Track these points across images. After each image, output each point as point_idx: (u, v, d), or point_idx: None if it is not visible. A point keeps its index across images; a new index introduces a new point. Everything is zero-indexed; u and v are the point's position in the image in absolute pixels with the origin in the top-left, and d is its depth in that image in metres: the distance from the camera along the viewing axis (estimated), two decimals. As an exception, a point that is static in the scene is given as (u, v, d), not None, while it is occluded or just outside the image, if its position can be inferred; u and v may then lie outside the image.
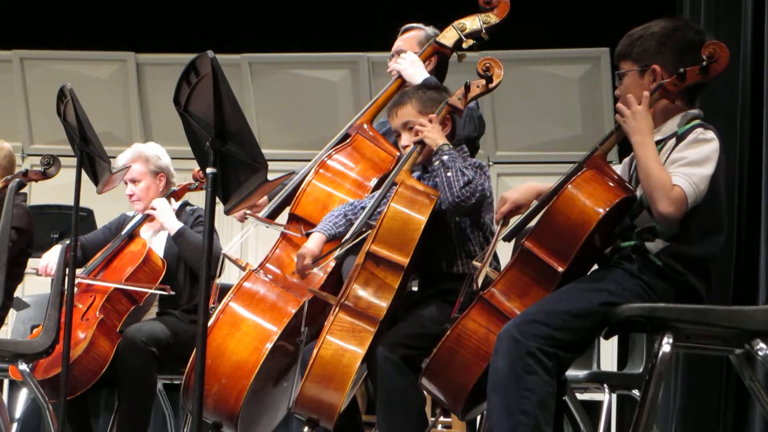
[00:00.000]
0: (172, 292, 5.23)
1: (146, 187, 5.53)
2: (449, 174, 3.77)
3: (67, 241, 4.56)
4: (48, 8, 8.92)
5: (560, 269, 3.30)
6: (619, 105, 3.37)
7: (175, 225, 5.33)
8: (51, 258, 5.31)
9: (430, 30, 4.74)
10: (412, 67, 4.53)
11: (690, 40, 3.40)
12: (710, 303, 3.35)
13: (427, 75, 4.50)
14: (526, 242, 3.34)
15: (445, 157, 3.82)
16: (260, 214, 4.50)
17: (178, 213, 5.45)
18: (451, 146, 3.87)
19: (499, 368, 3.21)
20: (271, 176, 3.26)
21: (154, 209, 5.38)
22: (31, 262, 5.37)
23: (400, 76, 4.60)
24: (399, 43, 4.77)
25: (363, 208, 3.98)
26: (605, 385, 4.86)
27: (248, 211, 4.47)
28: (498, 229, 3.59)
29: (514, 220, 3.56)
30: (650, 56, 3.40)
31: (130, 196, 5.53)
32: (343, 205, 4.05)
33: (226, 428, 4.06)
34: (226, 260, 4.44)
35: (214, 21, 8.74)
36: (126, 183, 5.50)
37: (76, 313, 4.92)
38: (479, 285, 3.51)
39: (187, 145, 3.36)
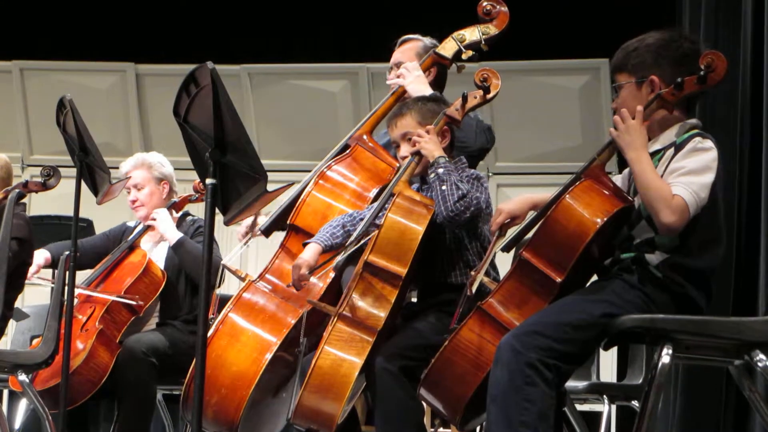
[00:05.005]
0: (141, 302, 5.21)
1: (150, 192, 5.53)
2: (444, 188, 3.78)
3: (66, 252, 4.56)
4: (48, 19, 8.93)
5: (558, 279, 3.30)
6: (615, 119, 3.37)
7: (174, 235, 5.33)
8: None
9: (428, 41, 4.74)
10: (417, 83, 4.50)
11: (686, 50, 3.41)
12: (710, 314, 3.35)
13: (431, 92, 4.49)
14: (524, 252, 3.35)
15: (440, 170, 3.82)
16: (259, 226, 4.51)
17: (179, 223, 5.45)
18: (447, 159, 3.87)
19: (499, 379, 3.22)
20: (270, 187, 3.27)
21: (155, 219, 5.38)
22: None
23: (400, 86, 4.58)
24: (397, 54, 4.76)
25: (362, 219, 3.98)
26: (605, 396, 4.86)
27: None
28: (494, 240, 3.60)
29: (511, 232, 3.57)
30: (647, 67, 3.41)
31: (133, 202, 5.53)
32: (342, 216, 4.05)
33: (225, 439, 4.06)
34: (226, 271, 4.44)
35: (214, 32, 8.75)
36: (129, 190, 5.50)
37: (75, 324, 4.93)
38: (473, 291, 3.51)
39: (186, 155, 3.37)
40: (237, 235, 4.71)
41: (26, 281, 5.27)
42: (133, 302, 5.16)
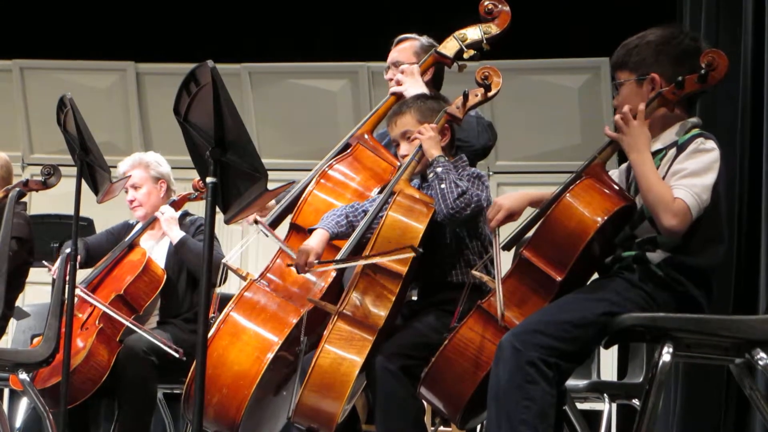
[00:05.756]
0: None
1: (147, 192, 5.54)
2: (443, 186, 3.77)
3: (67, 251, 4.55)
4: (48, 18, 8.93)
5: (558, 278, 3.30)
6: (617, 120, 3.36)
7: (177, 234, 5.34)
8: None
9: (424, 40, 4.72)
10: (414, 89, 4.49)
11: (686, 47, 3.41)
12: (710, 312, 3.35)
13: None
14: (524, 251, 3.34)
15: (439, 169, 3.82)
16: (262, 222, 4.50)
17: (179, 223, 5.45)
18: (446, 158, 3.87)
19: (499, 378, 3.21)
20: (271, 186, 3.27)
21: (162, 213, 5.39)
22: (35, 272, 5.37)
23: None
24: (394, 54, 4.75)
25: (364, 211, 3.97)
26: (605, 395, 4.86)
27: (258, 217, 4.47)
28: (495, 239, 3.59)
29: (507, 228, 3.56)
30: (648, 65, 3.41)
31: (131, 202, 5.54)
32: (344, 206, 4.04)
33: (226, 438, 4.06)
34: (228, 270, 4.43)
35: (214, 31, 8.76)
36: (126, 190, 5.50)
37: (75, 323, 4.92)
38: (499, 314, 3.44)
39: (187, 154, 3.36)
40: (246, 222, 4.69)
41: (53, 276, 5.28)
42: (132, 325, 5.14)
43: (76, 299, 4.87)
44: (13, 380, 4.87)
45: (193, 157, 3.38)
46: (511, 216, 3.58)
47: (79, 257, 5.18)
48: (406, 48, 4.74)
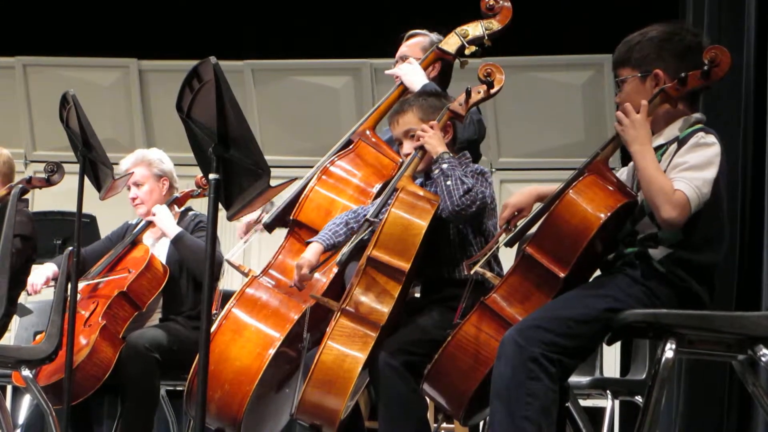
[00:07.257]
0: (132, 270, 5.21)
1: (149, 190, 5.53)
2: (449, 183, 3.77)
3: (70, 248, 4.55)
4: (51, 15, 8.94)
5: (561, 275, 3.30)
6: (618, 114, 3.36)
7: (174, 230, 5.32)
8: (38, 276, 5.28)
9: (434, 36, 4.74)
10: (412, 74, 4.52)
11: (689, 43, 3.40)
12: (713, 309, 3.35)
13: (427, 81, 4.50)
14: (528, 248, 3.34)
15: (444, 166, 3.81)
16: (263, 220, 4.51)
17: (180, 219, 5.44)
18: (451, 154, 3.86)
19: (502, 374, 3.21)
20: (273, 182, 3.27)
21: (154, 215, 5.38)
22: (38, 269, 5.38)
23: (401, 83, 4.60)
24: (403, 49, 4.78)
25: (366, 215, 3.97)
26: (608, 392, 4.87)
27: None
28: (498, 232, 3.60)
29: (518, 225, 3.56)
30: (651, 61, 3.40)
31: (133, 199, 5.53)
32: (346, 213, 4.04)
33: (228, 435, 4.06)
34: (226, 266, 4.44)
35: (217, 27, 8.75)
36: (129, 187, 5.50)
37: (78, 320, 4.92)
38: (470, 272, 3.51)
39: (189, 151, 3.37)
40: (237, 232, 4.71)
41: (35, 292, 5.27)
42: (125, 274, 5.16)
43: (79, 295, 4.87)
44: (16, 377, 4.87)
45: (195, 154, 3.38)
46: (519, 212, 3.58)
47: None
48: (416, 44, 4.77)
